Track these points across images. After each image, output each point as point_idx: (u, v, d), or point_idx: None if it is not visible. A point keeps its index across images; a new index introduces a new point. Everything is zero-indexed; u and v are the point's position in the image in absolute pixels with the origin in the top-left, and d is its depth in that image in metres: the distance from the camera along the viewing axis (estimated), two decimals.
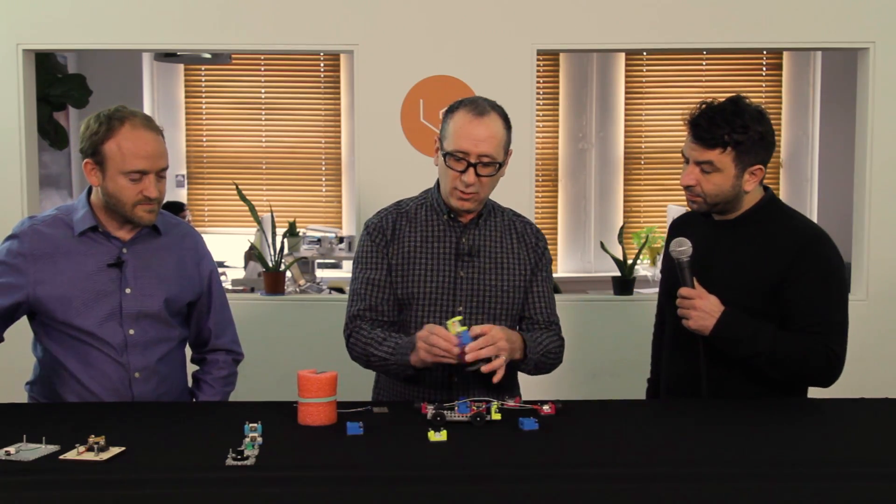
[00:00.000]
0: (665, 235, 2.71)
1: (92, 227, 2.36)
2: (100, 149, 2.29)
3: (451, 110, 2.37)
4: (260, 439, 1.93)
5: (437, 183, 2.48)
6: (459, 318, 2.18)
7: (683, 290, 2.31)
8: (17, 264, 2.32)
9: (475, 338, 2.16)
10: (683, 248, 2.32)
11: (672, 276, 2.43)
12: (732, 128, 2.27)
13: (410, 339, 2.28)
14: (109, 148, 2.28)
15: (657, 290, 2.69)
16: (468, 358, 2.15)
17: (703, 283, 2.33)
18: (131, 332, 2.38)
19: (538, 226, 2.64)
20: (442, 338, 2.15)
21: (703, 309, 2.28)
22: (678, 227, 2.59)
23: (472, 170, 2.31)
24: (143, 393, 2.40)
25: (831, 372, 2.32)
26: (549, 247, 2.59)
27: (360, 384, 2.58)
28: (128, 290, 2.37)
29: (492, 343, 2.16)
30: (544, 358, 2.37)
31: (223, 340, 2.62)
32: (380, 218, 2.46)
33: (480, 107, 2.33)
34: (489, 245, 2.43)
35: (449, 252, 2.40)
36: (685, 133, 2.37)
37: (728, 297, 2.30)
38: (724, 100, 2.33)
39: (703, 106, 2.32)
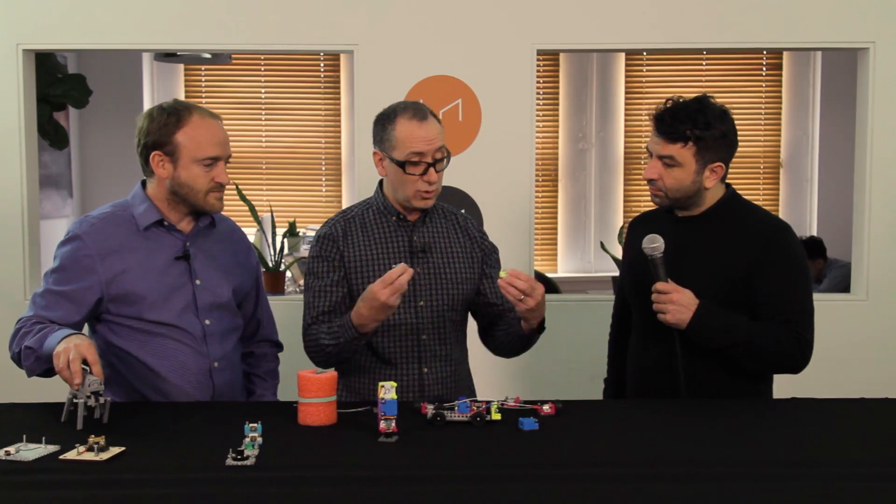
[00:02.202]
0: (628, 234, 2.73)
1: (158, 220, 2.37)
2: (171, 139, 2.32)
3: (389, 121, 2.42)
4: (260, 439, 1.93)
5: (379, 188, 2.54)
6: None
7: (659, 286, 2.35)
8: (87, 265, 2.31)
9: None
10: (656, 244, 2.36)
11: (637, 275, 2.47)
12: (694, 123, 2.34)
13: (346, 316, 2.34)
14: (182, 137, 2.31)
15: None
16: (511, 282, 2.22)
17: (673, 279, 2.37)
18: (208, 322, 2.41)
19: (536, 226, 2.68)
20: (394, 274, 2.21)
21: (679, 303, 2.32)
22: (639, 225, 2.64)
23: (431, 169, 2.39)
24: (222, 382, 2.43)
25: (803, 359, 2.39)
26: (549, 247, 2.66)
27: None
28: (198, 282, 2.40)
29: (531, 286, 2.24)
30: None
31: (269, 331, 2.67)
32: (329, 227, 2.51)
33: (420, 111, 2.41)
34: (438, 240, 2.52)
35: (403, 251, 2.48)
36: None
37: (699, 290, 2.35)
38: (690, 98, 2.41)
39: (669, 102, 2.40)
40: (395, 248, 2.48)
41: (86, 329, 2.40)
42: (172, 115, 2.32)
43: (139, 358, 2.35)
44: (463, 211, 2.71)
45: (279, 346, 2.72)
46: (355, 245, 2.47)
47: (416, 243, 2.49)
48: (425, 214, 2.52)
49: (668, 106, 2.39)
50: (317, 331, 2.42)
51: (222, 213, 2.50)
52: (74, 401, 2.06)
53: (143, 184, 2.43)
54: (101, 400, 2.06)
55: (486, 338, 2.63)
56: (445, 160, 2.43)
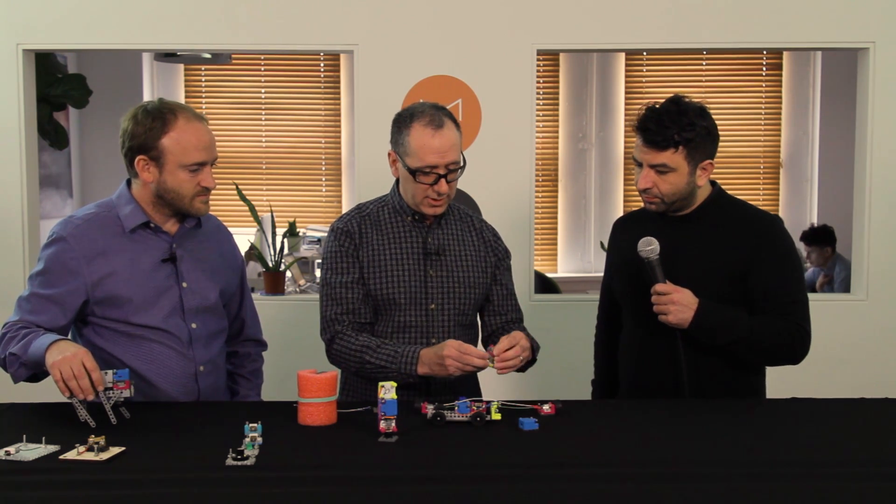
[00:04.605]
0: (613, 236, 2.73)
1: (144, 222, 2.34)
2: (157, 144, 2.27)
3: (405, 125, 2.38)
4: (260, 439, 1.93)
5: (395, 186, 2.52)
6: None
7: (659, 287, 2.36)
8: (73, 268, 2.27)
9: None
10: (652, 246, 2.37)
11: (633, 275, 2.47)
12: (680, 127, 2.34)
13: (410, 349, 2.32)
14: (168, 142, 2.27)
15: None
16: (499, 367, 2.24)
17: (669, 279, 2.38)
18: (194, 325, 2.38)
19: (536, 226, 2.67)
20: (474, 355, 2.22)
21: (680, 303, 2.33)
22: (626, 225, 2.65)
23: (442, 180, 2.37)
24: (207, 386, 2.41)
25: (802, 349, 2.41)
26: (549, 247, 2.65)
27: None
28: (185, 285, 2.37)
29: (521, 350, 2.27)
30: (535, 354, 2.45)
31: (254, 330, 2.65)
32: (345, 221, 2.49)
33: (436, 119, 2.36)
34: (453, 243, 2.50)
35: (417, 252, 2.46)
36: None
37: (696, 288, 2.36)
38: (665, 101, 2.40)
39: (647, 110, 2.39)
40: (409, 249, 2.45)
41: (70, 333, 2.36)
42: (158, 119, 2.26)
43: (124, 361, 2.31)
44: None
45: (263, 345, 2.69)
46: (370, 243, 2.45)
47: (431, 245, 2.47)
48: (441, 216, 2.50)
49: (648, 114, 2.38)
50: (343, 336, 2.38)
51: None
52: (106, 398, 2.07)
53: (129, 182, 2.38)
54: (116, 394, 2.07)
55: (486, 348, 2.62)
56: (459, 170, 2.41)
